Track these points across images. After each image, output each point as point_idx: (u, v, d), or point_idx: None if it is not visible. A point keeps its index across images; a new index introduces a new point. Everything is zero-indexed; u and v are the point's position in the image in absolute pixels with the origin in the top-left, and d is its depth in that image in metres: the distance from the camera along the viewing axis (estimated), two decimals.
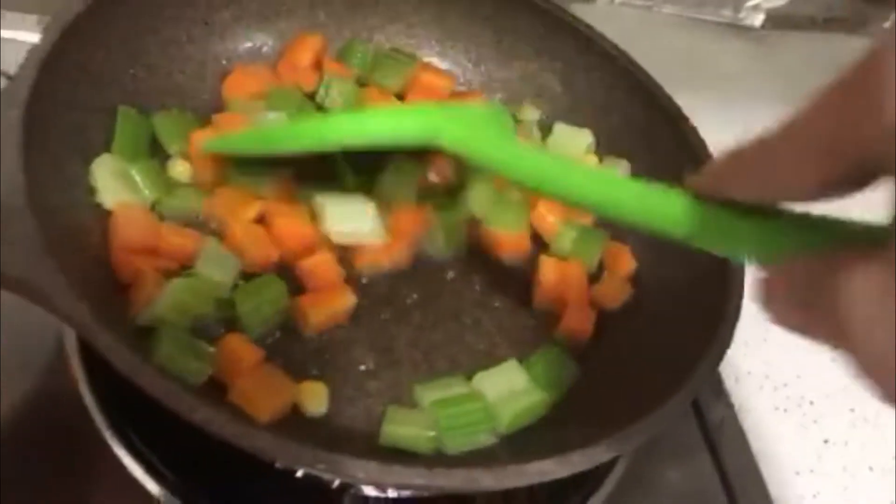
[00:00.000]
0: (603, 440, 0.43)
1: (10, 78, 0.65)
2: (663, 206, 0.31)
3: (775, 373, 0.70)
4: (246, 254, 0.51)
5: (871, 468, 0.65)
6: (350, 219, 0.53)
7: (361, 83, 0.64)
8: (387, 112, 0.49)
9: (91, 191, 0.50)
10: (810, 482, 0.63)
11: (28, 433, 0.53)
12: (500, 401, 0.49)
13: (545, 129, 0.65)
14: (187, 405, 0.37)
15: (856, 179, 0.24)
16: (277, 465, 0.45)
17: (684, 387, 0.45)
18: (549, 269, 0.57)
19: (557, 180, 0.37)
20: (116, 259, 0.47)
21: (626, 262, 0.59)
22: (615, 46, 0.65)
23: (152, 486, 0.49)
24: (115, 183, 0.50)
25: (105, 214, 0.50)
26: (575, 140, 0.64)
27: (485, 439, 0.48)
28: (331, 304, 0.51)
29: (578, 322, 0.55)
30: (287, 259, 0.52)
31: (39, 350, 0.55)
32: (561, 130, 0.64)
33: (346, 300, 0.52)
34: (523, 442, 0.48)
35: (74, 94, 0.51)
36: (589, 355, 0.55)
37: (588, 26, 0.66)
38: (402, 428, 0.46)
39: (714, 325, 0.49)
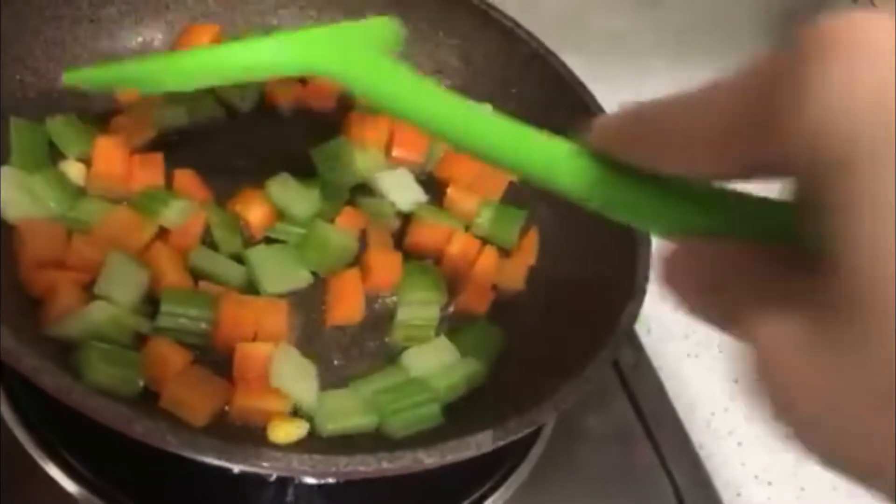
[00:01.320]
0: (533, 407, 0.45)
1: None
2: (559, 157, 0.29)
3: (682, 321, 0.73)
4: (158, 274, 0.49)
5: None
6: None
7: None
8: (257, 43, 0.44)
9: None
10: (724, 421, 0.67)
11: None
12: (433, 375, 0.51)
13: None
14: (124, 419, 0.37)
15: (748, 170, 0.23)
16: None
17: (605, 348, 0.48)
18: (457, 244, 0.58)
19: (448, 120, 0.33)
20: (26, 275, 0.46)
21: (530, 251, 0.61)
22: (511, 19, 0.66)
23: (72, 488, 0.48)
24: (17, 196, 0.49)
25: (10, 229, 0.48)
26: None
27: (427, 418, 0.49)
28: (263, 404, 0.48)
29: (475, 300, 0.57)
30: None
31: None
32: None
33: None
34: (463, 419, 0.50)
35: None
36: (513, 324, 0.57)
37: (483, 0, 0.66)
38: (345, 418, 0.47)
39: (626, 292, 0.51)
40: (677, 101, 0.24)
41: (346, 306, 0.53)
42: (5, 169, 0.50)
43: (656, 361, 0.68)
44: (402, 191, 0.60)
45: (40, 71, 0.55)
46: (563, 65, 0.64)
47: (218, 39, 0.62)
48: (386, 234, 0.58)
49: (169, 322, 0.47)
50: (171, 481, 0.49)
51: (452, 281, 0.58)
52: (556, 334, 0.54)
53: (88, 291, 0.47)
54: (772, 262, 0.23)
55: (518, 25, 0.66)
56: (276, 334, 0.49)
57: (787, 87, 0.20)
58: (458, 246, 0.58)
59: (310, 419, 0.48)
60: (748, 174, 0.23)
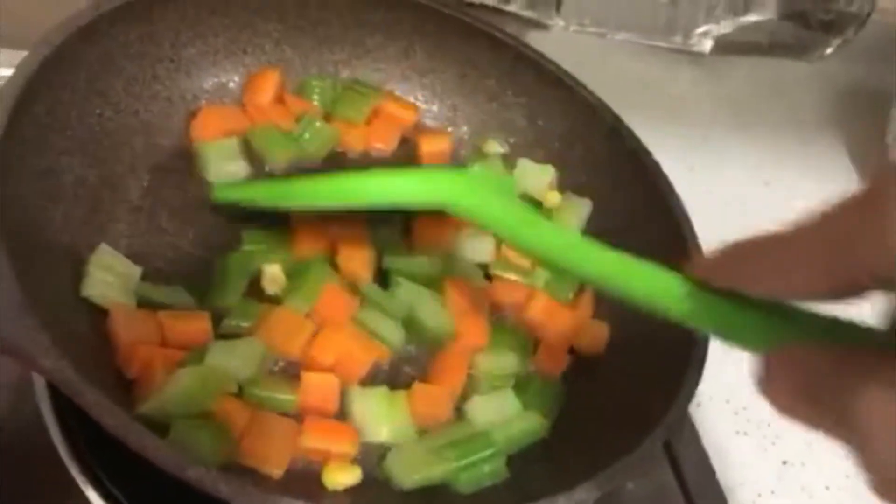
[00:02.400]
0: (582, 482, 0.44)
1: None
2: (665, 287, 0.33)
3: (735, 396, 0.72)
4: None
5: (827, 487, 0.68)
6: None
7: (327, 118, 0.64)
8: (409, 175, 0.50)
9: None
10: (771, 503, 0.66)
11: None
12: (496, 428, 0.51)
13: (509, 164, 0.66)
14: (185, 468, 0.37)
15: (853, 291, 0.25)
16: None
17: (658, 427, 0.47)
18: (537, 305, 0.58)
19: (565, 253, 0.39)
20: (121, 357, 0.47)
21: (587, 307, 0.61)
22: (577, 80, 0.67)
23: None
24: (106, 276, 0.49)
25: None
26: (538, 176, 0.65)
27: (493, 475, 0.49)
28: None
29: (551, 363, 0.57)
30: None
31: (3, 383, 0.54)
32: (524, 166, 0.66)
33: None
34: (520, 474, 0.50)
35: (44, 137, 0.50)
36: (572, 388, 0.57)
37: (551, 61, 0.67)
38: (414, 471, 0.48)
39: (682, 368, 0.50)
40: (772, 237, 0.27)
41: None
42: (102, 248, 0.51)
43: (704, 435, 0.67)
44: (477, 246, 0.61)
45: (119, 106, 0.57)
46: (630, 131, 0.64)
47: (281, 85, 0.64)
48: (477, 296, 0.58)
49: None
50: None
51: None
52: (615, 400, 0.54)
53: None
54: (867, 355, 0.25)
55: (583, 86, 0.66)
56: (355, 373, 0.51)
57: (871, 221, 0.23)
58: (539, 307, 0.59)
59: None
60: (842, 295, 0.26)
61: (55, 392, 0.52)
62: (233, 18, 0.62)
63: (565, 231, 0.42)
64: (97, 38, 0.54)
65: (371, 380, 0.53)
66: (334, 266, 0.55)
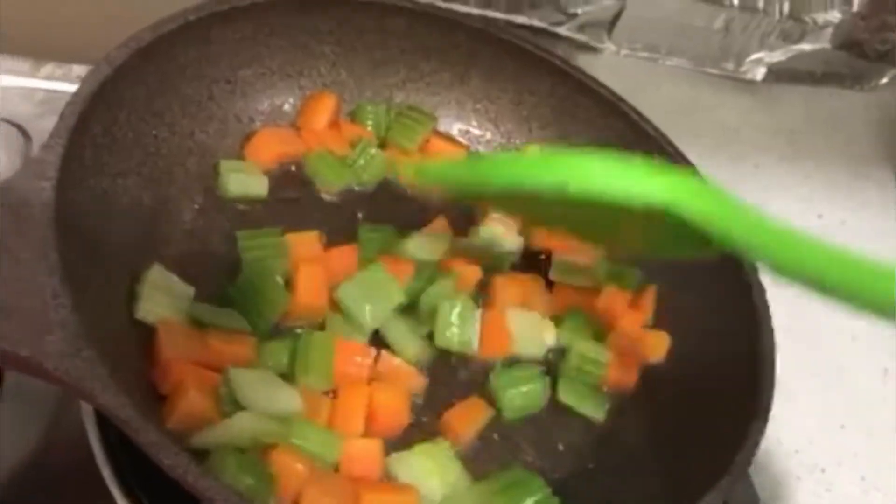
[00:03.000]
0: None
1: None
2: None
3: (787, 438, 0.70)
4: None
5: None
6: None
7: (380, 144, 0.63)
8: (637, 168, 0.41)
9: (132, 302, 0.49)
10: None
11: (30, 484, 0.51)
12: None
13: None
14: None
15: None
16: None
17: (722, 481, 0.45)
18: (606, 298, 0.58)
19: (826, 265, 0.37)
20: (158, 372, 0.46)
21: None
22: (635, 109, 0.65)
23: None
24: (158, 296, 0.48)
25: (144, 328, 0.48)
26: None
27: None
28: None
29: (624, 372, 0.56)
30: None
31: (46, 395, 0.53)
32: None
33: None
34: None
35: (100, 158, 0.50)
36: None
37: (609, 90, 0.66)
38: None
39: (747, 419, 0.49)
40: None
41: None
42: (155, 268, 0.50)
43: (757, 478, 0.65)
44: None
45: (175, 127, 0.56)
46: (686, 159, 0.63)
47: (336, 110, 0.63)
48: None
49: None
50: None
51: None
52: (673, 444, 0.52)
53: (217, 393, 0.46)
54: None
55: (644, 118, 0.65)
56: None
57: None
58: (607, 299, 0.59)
59: None
60: None
61: (102, 418, 0.51)
62: (290, 40, 0.61)
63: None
64: (156, 58, 0.53)
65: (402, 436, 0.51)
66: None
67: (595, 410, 0.55)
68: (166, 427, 0.43)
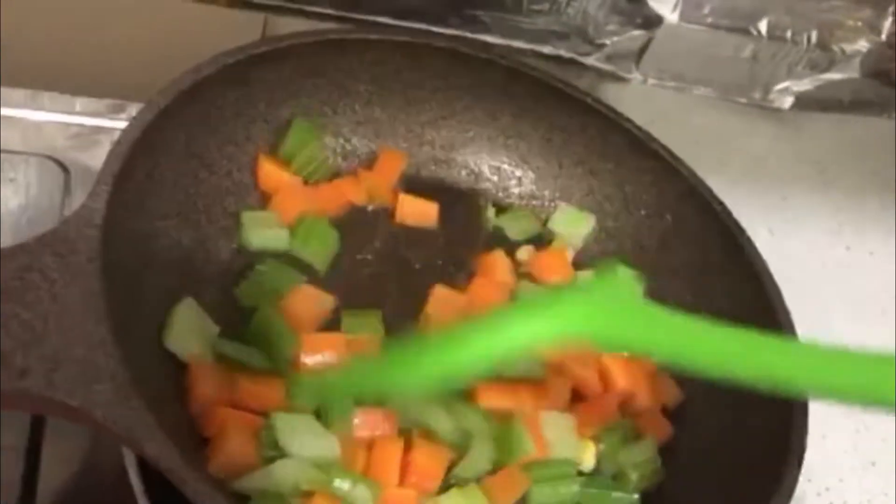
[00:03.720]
0: None
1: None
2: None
3: (817, 477, 0.69)
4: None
5: None
6: None
7: None
8: (523, 314, 0.39)
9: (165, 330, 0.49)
10: None
11: None
12: None
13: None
14: None
15: None
16: None
17: None
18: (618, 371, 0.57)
19: (747, 357, 0.35)
20: (196, 412, 0.47)
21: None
22: (666, 148, 0.66)
23: None
24: (189, 332, 0.49)
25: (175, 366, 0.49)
26: (576, 224, 0.65)
27: None
28: None
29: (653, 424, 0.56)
30: None
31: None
32: (564, 211, 0.66)
33: None
34: None
35: (142, 202, 0.51)
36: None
37: (640, 128, 0.66)
38: None
39: (782, 460, 0.49)
40: None
41: None
42: (188, 301, 0.51)
43: None
44: None
45: (213, 167, 0.57)
46: (722, 203, 0.63)
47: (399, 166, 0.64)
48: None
49: None
50: None
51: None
52: (704, 496, 0.52)
53: (258, 436, 0.47)
54: None
55: (674, 155, 0.65)
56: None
57: None
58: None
59: None
60: None
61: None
62: (327, 79, 0.62)
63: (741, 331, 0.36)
64: (196, 102, 0.54)
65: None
66: None
67: None
68: (208, 471, 0.43)
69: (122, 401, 0.39)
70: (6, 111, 0.69)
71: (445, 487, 0.50)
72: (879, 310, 0.85)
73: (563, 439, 0.53)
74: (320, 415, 0.49)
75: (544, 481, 0.52)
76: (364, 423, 0.49)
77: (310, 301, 0.55)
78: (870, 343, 0.82)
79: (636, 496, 0.54)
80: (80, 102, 0.70)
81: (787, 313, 0.57)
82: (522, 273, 0.63)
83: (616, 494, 0.53)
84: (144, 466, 0.51)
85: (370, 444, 0.49)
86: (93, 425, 0.39)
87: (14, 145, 0.66)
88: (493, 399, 0.53)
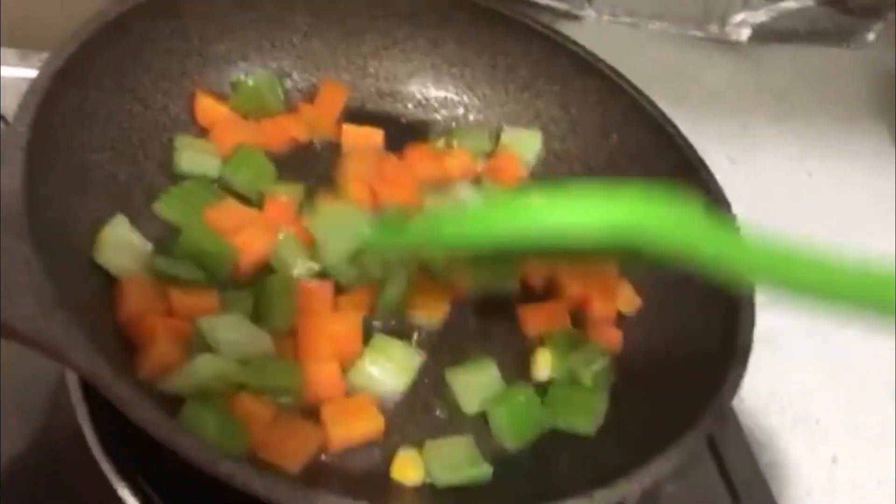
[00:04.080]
0: (621, 477, 0.43)
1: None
2: None
3: (780, 392, 0.69)
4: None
5: (879, 483, 0.65)
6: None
7: None
8: (591, 199, 0.37)
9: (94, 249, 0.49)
10: (822, 500, 0.63)
11: (30, 474, 0.51)
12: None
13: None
14: (210, 459, 0.36)
15: None
16: None
17: (699, 424, 0.45)
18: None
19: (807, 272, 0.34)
20: (126, 321, 0.46)
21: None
22: (612, 68, 0.65)
23: None
24: (121, 249, 0.49)
25: (109, 280, 0.48)
26: (525, 140, 0.65)
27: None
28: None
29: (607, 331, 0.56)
30: None
31: (41, 388, 0.54)
32: (512, 130, 0.66)
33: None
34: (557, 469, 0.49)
35: (72, 135, 0.50)
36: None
37: (585, 49, 0.65)
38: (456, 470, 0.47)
39: (726, 359, 0.49)
40: None
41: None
42: (118, 218, 0.50)
43: (749, 432, 0.65)
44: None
45: (148, 101, 0.56)
46: (667, 117, 0.63)
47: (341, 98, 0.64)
48: None
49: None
50: None
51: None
52: (655, 397, 0.52)
53: (188, 341, 0.47)
54: None
55: (619, 74, 0.65)
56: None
57: None
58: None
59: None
60: None
61: (88, 391, 0.52)
62: (262, 12, 0.61)
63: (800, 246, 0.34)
64: (125, 33, 0.54)
65: None
66: None
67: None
68: (138, 377, 0.43)
69: (46, 314, 0.38)
70: None
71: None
72: (839, 231, 0.85)
73: None
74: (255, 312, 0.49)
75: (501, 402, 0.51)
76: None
77: (234, 214, 0.54)
78: None
79: (604, 393, 0.53)
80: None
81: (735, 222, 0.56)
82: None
83: (580, 395, 0.53)
84: (98, 418, 0.51)
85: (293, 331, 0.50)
86: (18, 340, 0.38)
87: None
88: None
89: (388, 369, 0.50)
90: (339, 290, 0.53)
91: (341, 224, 0.54)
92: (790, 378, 0.70)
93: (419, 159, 0.62)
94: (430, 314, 0.54)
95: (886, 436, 0.68)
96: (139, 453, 0.49)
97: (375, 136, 0.63)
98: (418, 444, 0.49)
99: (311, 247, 0.54)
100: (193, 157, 0.56)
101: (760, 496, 0.62)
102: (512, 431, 0.50)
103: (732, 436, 0.64)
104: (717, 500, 0.61)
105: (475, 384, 0.51)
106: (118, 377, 0.37)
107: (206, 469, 0.37)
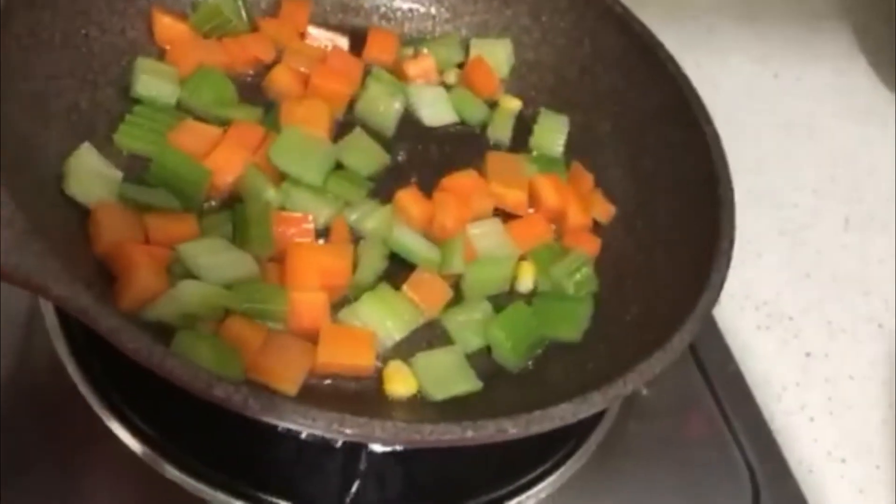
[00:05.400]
0: (615, 380, 0.43)
1: None
2: None
3: (755, 292, 0.71)
4: None
5: (851, 377, 0.67)
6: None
7: None
8: None
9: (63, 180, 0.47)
10: (796, 395, 0.65)
11: (10, 401, 0.50)
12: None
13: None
14: (204, 383, 0.36)
15: None
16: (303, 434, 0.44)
17: (684, 329, 0.46)
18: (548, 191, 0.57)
19: None
20: (102, 252, 0.45)
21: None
22: None
23: (137, 446, 0.48)
24: (90, 178, 0.47)
25: (82, 211, 0.47)
26: (494, 53, 0.64)
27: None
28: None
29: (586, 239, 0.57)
30: None
31: (12, 327, 0.52)
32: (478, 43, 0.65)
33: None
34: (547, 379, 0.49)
35: (27, 60, 0.48)
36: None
37: None
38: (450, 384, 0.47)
39: (707, 265, 0.49)
40: None
41: None
42: (84, 147, 0.48)
43: (726, 333, 0.66)
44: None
45: (104, 25, 0.54)
46: (642, 23, 0.62)
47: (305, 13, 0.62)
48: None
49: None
50: (238, 444, 0.48)
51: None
52: (635, 300, 0.53)
53: (168, 269, 0.45)
54: None
55: None
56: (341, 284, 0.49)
57: None
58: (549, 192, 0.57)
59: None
60: None
61: (67, 327, 0.51)
62: None
63: None
64: None
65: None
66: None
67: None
68: (120, 308, 0.42)
69: (22, 246, 0.37)
70: None
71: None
72: (806, 132, 0.85)
73: (494, 244, 0.54)
74: (234, 239, 0.48)
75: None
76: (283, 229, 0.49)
77: (199, 135, 0.53)
78: (796, 163, 0.83)
79: (588, 298, 0.54)
80: None
81: (714, 131, 0.56)
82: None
83: (564, 304, 0.53)
84: (73, 341, 0.50)
85: (282, 254, 0.49)
86: None
87: None
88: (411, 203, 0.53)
89: (386, 320, 0.49)
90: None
91: (304, 156, 0.52)
92: (765, 281, 0.71)
93: (377, 52, 0.61)
94: None
95: (855, 330, 0.70)
96: (124, 385, 0.49)
97: (340, 40, 0.62)
98: (407, 357, 0.49)
99: (277, 177, 0.52)
100: (150, 82, 0.53)
101: (738, 394, 0.63)
102: (515, 352, 0.50)
103: (709, 336, 0.65)
104: (698, 399, 0.63)
105: (470, 320, 0.51)
106: (102, 306, 0.36)
107: (201, 394, 0.36)
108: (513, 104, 0.64)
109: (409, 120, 0.60)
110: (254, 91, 0.58)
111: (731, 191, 0.53)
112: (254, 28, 0.60)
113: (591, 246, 0.56)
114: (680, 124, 0.58)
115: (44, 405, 0.50)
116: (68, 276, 0.36)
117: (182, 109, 0.55)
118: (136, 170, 0.51)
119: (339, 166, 0.55)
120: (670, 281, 0.51)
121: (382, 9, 0.65)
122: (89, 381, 0.50)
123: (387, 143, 0.58)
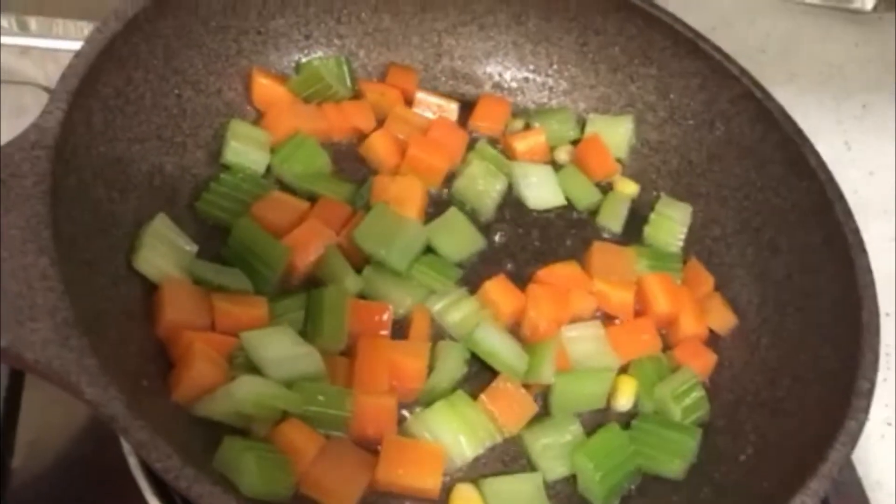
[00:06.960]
0: None
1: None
2: None
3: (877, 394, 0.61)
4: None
5: None
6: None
7: None
8: None
9: (132, 252, 0.44)
10: None
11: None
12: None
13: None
14: None
15: None
16: None
17: (806, 489, 0.39)
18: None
19: None
20: (165, 335, 0.42)
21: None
22: (718, 48, 0.57)
23: None
24: (162, 252, 0.44)
25: (147, 286, 0.44)
26: (614, 128, 0.59)
27: None
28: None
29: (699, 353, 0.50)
30: None
31: None
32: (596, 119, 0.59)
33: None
34: None
35: (112, 123, 0.46)
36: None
37: (686, 25, 0.58)
38: None
39: (843, 408, 0.42)
40: None
41: None
42: (160, 217, 0.46)
43: (864, 467, 0.57)
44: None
45: (200, 85, 0.52)
46: (783, 110, 0.55)
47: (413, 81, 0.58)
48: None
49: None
50: None
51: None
52: (752, 436, 0.46)
53: (229, 359, 0.42)
54: None
55: (727, 57, 0.57)
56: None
57: None
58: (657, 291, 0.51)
59: None
60: None
61: None
62: None
63: None
64: (173, 9, 0.49)
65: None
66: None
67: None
68: (174, 398, 0.39)
69: (60, 340, 0.34)
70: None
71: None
72: None
73: (592, 352, 0.48)
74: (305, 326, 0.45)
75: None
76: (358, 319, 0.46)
77: (283, 208, 0.49)
78: None
79: (697, 428, 0.47)
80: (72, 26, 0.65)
81: (860, 240, 0.48)
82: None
83: (669, 432, 0.46)
84: None
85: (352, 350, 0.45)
86: (25, 368, 0.34)
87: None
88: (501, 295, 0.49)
89: (458, 434, 0.44)
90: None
91: (391, 238, 0.48)
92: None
93: (484, 122, 0.58)
94: None
95: None
96: None
97: (449, 107, 0.58)
98: (478, 479, 0.44)
99: (360, 261, 0.49)
100: (240, 149, 0.51)
101: (853, 495, 0.54)
102: (604, 485, 0.43)
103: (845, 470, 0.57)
104: None
105: (555, 444, 0.45)
106: (133, 418, 0.33)
107: None
108: (629, 188, 0.58)
109: (510, 199, 0.56)
110: (350, 158, 0.55)
111: (876, 317, 0.45)
112: (357, 93, 0.57)
113: (704, 362, 0.50)
114: (820, 228, 0.50)
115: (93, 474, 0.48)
116: (104, 378, 0.33)
117: (271, 176, 0.52)
118: (214, 245, 0.48)
119: (428, 249, 0.50)
120: (796, 419, 0.44)
121: (496, 77, 0.61)
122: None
123: (483, 226, 0.53)
